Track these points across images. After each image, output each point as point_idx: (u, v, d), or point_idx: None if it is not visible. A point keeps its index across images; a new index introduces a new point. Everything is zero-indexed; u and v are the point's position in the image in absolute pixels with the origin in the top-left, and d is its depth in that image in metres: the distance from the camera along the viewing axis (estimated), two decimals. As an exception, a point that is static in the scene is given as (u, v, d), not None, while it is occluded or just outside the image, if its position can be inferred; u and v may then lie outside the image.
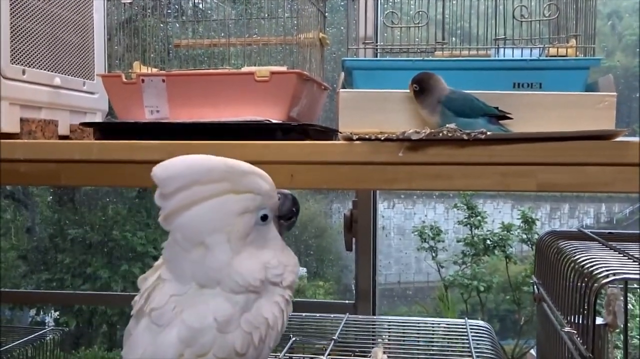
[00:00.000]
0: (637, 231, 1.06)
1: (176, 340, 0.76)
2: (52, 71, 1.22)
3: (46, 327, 1.77)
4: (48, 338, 1.62)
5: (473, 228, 4.08)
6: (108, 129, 1.12)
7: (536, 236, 3.82)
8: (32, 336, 1.59)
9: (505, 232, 4.03)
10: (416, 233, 4.19)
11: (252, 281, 0.77)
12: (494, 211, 4.34)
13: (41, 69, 1.18)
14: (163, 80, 1.12)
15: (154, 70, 1.20)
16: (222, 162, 0.76)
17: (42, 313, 4.15)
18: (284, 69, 1.13)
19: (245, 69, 1.17)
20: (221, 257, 0.77)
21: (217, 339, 0.76)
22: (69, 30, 1.27)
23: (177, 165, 0.76)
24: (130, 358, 0.79)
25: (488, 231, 4.07)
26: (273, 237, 0.83)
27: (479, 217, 4.08)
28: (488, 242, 4.02)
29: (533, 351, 3.75)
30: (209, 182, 0.75)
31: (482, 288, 3.98)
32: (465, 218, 4.10)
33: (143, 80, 1.12)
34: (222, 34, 1.23)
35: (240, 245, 0.78)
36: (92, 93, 1.35)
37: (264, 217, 0.80)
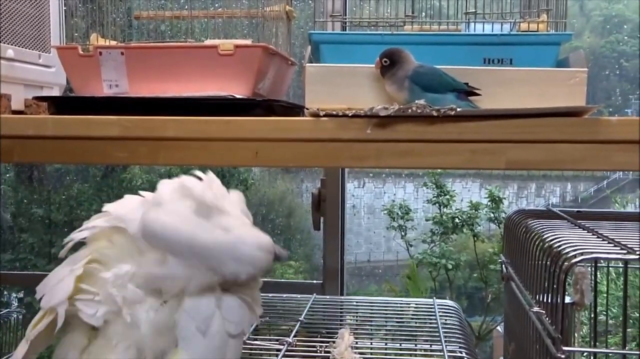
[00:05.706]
0: (605, 210, 1.06)
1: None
2: (4, 43, 1.15)
3: (11, 308, 1.74)
4: (12, 317, 1.58)
5: (442, 207, 4.10)
6: (64, 104, 1.06)
7: (503, 215, 3.86)
8: (-5, 315, 1.56)
9: (474, 211, 4.06)
10: (385, 212, 4.21)
11: None
12: (463, 189, 4.38)
13: (-8, 40, 1.12)
14: (122, 53, 1.07)
15: (114, 43, 1.15)
16: None
17: (4, 293, 4.07)
18: (248, 42, 1.09)
19: (209, 41, 1.12)
20: None
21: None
22: (23, 1, 1.21)
23: None
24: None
25: (457, 209, 4.10)
26: None
27: (447, 196, 4.11)
28: (456, 220, 4.06)
29: (499, 328, 3.81)
30: None
31: (450, 266, 4.02)
32: (434, 197, 4.13)
33: (101, 53, 1.07)
34: (186, 7, 1.19)
35: None
36: (48, 67, 1.29)
37: None
